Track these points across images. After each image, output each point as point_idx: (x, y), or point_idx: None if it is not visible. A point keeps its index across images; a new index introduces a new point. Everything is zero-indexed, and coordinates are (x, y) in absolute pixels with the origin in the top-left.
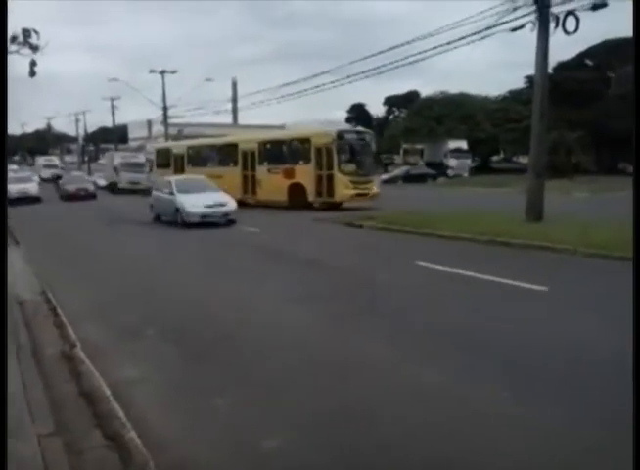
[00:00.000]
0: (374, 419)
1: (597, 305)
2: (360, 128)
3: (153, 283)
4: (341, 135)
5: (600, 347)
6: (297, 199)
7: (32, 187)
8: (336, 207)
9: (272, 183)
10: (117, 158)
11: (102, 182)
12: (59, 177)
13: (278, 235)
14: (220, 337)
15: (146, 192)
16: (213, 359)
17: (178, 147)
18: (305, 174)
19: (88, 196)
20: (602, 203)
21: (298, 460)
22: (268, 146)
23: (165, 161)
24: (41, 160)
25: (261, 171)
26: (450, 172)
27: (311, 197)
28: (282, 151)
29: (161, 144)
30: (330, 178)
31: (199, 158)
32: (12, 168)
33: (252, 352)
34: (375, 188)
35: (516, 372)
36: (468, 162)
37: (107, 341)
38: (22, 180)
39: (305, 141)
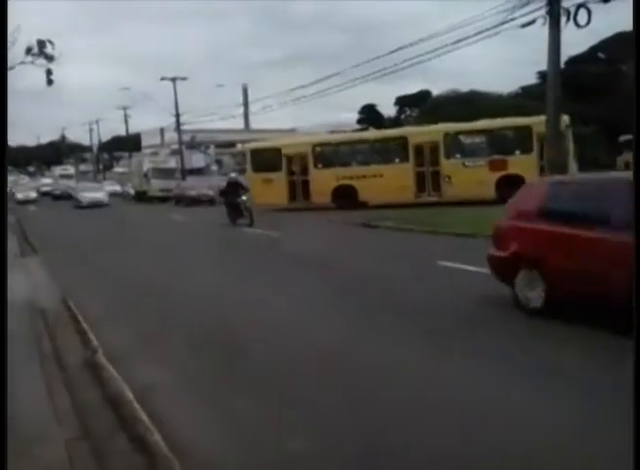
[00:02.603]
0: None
1: None
2: None
3: None
4: (571, 122)
5: None
6: (510, 191)
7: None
8: None
9: (469, 178)
10: (147, 163)
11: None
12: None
13: None
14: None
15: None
16: None
17: (294, 146)
18: (524, 165)
19: (210, 201)
20: None
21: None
22: (460, 137)
23: (271, 163)
24: (57, 170)
25: (450, 166)
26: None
27: None
28: (483, 142)
29: (262, 143)
30: (563, 168)
31: (335, 156)
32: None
33: None
34: None
35: None
36: None
37: None
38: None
39: (522, 129)
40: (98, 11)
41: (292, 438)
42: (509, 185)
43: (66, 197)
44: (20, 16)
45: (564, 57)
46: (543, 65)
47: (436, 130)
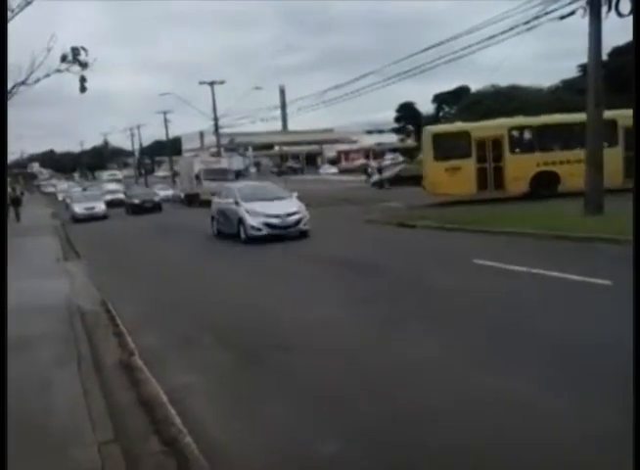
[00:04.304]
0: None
1: None
2: None
3: None
4: None
5: None
6: None
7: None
8: None
9: None
10: (198, 164)
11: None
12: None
13: None
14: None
15: None
16: None
17: (487, 129)
18: None
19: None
20: None
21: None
22: None
23: (458, 149)
24: (105, 175)
25: None
26: None
27: None
28: None
29: (446, 126)
30: None
31: (535, 140)
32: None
33: None
34: None
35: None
36: None
37: None
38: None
39: None
40: (138, 21)
41: None
42: None
43: (149, 208)
44: (66, 25)
45: (607, 48)
46: (585, 57)
47: None
